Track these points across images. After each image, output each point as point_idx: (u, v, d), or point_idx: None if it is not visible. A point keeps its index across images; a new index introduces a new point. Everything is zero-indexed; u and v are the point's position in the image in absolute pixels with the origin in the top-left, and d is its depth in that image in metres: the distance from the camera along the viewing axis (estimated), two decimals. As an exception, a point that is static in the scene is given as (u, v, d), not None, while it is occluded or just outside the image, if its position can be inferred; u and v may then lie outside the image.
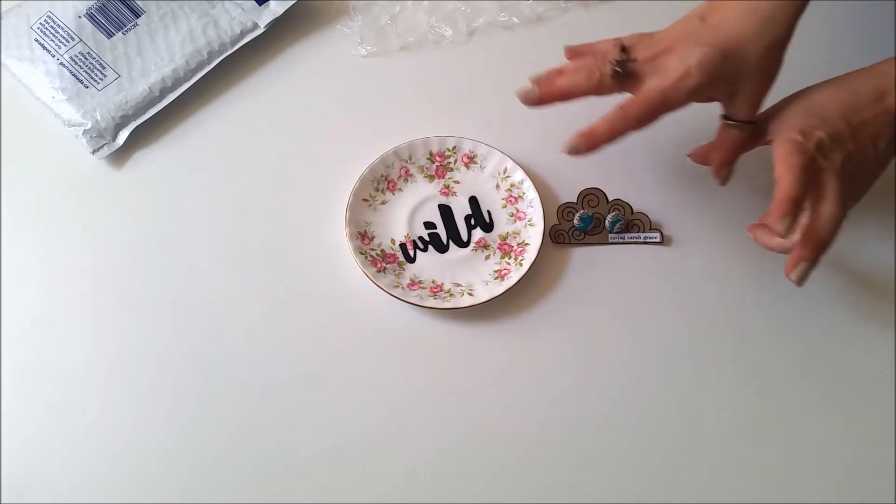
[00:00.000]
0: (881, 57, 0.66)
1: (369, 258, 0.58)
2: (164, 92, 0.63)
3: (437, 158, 0.62)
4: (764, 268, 0.59)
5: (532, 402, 0.55)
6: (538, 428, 0.54)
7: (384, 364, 0.56)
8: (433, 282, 0.58)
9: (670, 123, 0.64)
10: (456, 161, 0.62)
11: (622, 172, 0.62)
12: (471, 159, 0.62)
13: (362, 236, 0.59)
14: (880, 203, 0.60)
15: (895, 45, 0.66)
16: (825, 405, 0.55)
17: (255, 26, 0.65)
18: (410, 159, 0.61)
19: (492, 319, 0.57)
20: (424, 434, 0.54)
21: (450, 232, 0.60)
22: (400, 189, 0.61)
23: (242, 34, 0.65)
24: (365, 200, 0.60)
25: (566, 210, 0.60)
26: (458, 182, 0.61)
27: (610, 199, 0.60)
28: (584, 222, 0.59)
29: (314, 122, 0.64)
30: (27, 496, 0.52)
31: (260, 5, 0.66)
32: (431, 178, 0.62)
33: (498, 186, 0.61)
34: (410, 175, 0.61)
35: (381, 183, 0.61)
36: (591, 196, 0.60)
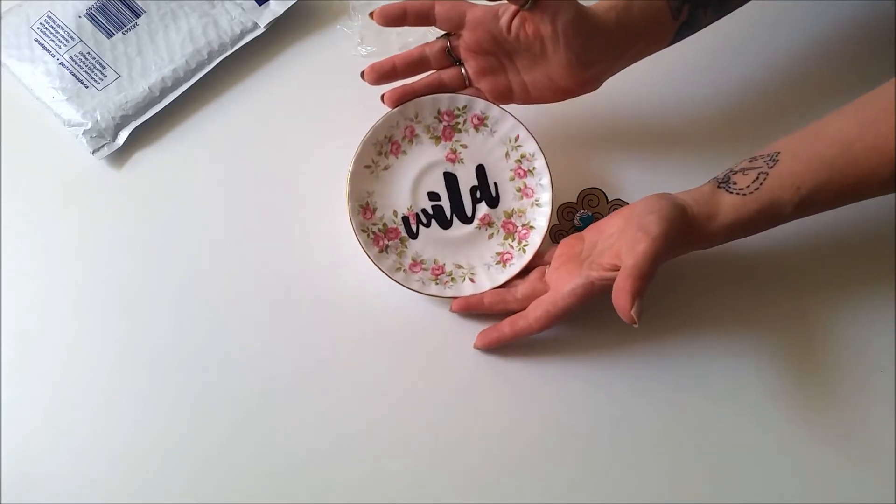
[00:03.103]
0: (881, 56, 0.66)
1: (371, 235, 0.57)
2: (164, 92, 0.63)
3: (446, 118, 0.59)
4: (762, 266, 0.59)
5: (534, 398, 0.55)
6: (541, 423, 0.54)
7: (387, 358, 0.56)
8: (435, 262, 0.57)
9: (670, 123, 0.64)
10: (465, 122, 0.59)
11: (622, 172, 0.62)
12: (481, 121, 0.59)
13: (364, 210, 0.57)
14: (880, 202, 0.60)
15: (895, 44, 0.66)
16: (825, 405, 0.55)
17: (255, 26, 0.65)
18: (417, 118, 0.59)
19: (493, 317, 0.57)
20: (428, 431, 0.54)
21: (454, 205, 0.58)
22: (404, 152, 0.58)
23: (242, 34, 0.65)
24: (367, 167, 0.58)
25: (566, 210, 0.60)
26: (465, 146, 0.59)
27: (610, 199, 0.60)
28: (584, 222, 0.59)
29: (314, 123, 0.64)
30: (27, 496, 0.52)
31: (260, 5, 0.66)
32: (438, 139, 0.59)
33: (507, 155, 0.59)
34: (416, 136, 0.59)
35: (385, 146, 0.58)
36: (591, 196, 0.60)
